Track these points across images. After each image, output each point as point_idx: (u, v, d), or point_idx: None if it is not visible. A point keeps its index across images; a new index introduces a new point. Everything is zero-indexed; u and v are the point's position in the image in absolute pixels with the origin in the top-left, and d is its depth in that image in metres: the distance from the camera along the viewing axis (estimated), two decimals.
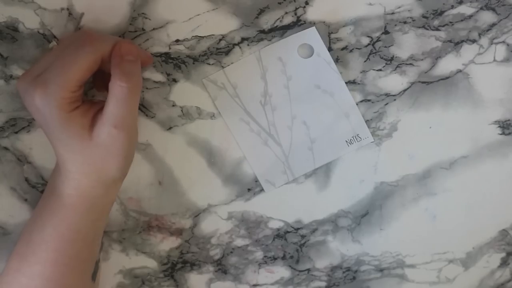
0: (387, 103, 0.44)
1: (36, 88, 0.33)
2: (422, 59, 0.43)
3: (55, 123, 0.34)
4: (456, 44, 0.43)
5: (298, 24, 0.42)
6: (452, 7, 0.42)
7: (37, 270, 0.36)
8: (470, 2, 0.43)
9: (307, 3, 0.42)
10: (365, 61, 0.43)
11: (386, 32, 0.43)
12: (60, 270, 0.36)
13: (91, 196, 0.36)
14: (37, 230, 0.36)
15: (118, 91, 0.34)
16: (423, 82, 0.44)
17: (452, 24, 0.43)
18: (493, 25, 0.43)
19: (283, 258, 0.45)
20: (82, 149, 0.34)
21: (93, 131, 0.34)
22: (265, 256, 0.45)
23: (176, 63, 0.42)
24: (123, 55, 0.35)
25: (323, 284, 0.45)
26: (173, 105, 0.42)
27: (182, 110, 0.43)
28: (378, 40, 0.43)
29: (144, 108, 0.42)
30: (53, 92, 0.33)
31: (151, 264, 0.44)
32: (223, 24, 0.42)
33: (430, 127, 0.44)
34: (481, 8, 0.42)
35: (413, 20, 0.43)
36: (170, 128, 0.43)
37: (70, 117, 0.34)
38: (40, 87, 0.33)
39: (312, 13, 0.42)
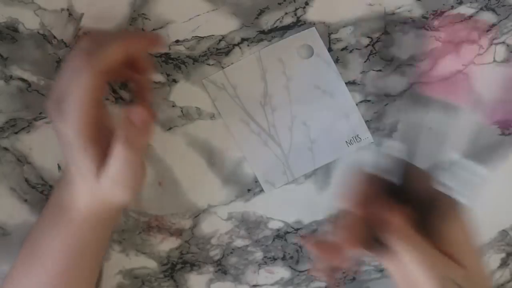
0: (387, 104, 0.44)
1: (56, 118, 0.34)
2: (422, 60, 0.43)
3: (74, 149, 0.34)
4: (455, 44, 0.43)
5: (298, 24, 0.42)
6: (452, 7, 0.42)
7: (44, 280, 0.36)
8: (470, 2, 0.43)
9: (307, 3, 0.42)
10: (365, 62, 0.43)
11: (386, 33, 0.43)
12: (67, 281, 0.36)
13: (99, 213, 0.36)
14: (45, 240, 0.36)
15: (120, 153, 0.33)
16: (423, 83, 0.44)
17: (452, 25, 0.43)
18: (493, 25, 0.43)
19: (283, 258, 0.45)
20: (91, 179, 0.34)
21: (101, 172, 0.34)
22: (265, 257, 0.45)
23: (176, 64, 0.42)
24: (133, 120, 0.33)
25: (323, 284, 0.45)
26: (173, 106, 0.42)
27: (182, 111, 0.43)
28: (378, 41, 0.43)
29: None
30: (71, 123, 0.33)
31: (151, 264, 0.44)
32: (223, 24, 0.42)
33: (430, 128, 0.44)
34: (481, 9, 0.43)
35: (413, 21, 0.43)
36: (170, 128, 0.43)
37: (86, 148, 0.33)
38: (59, 118, 0.33)
39: (312, 14, 0.42)
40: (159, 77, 0.42)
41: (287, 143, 0.43)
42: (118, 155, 0.33)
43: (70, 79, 0.33)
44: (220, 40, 0.42)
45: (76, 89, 0.33)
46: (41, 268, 0.36)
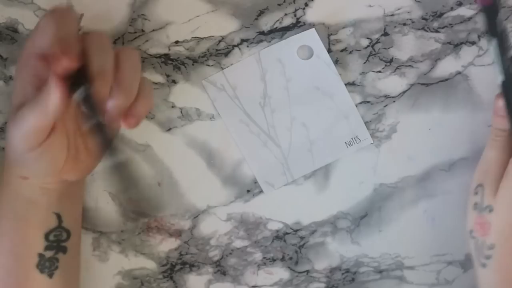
0: (386, 105, 0.44)
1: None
2: (421, 61, 0.43)
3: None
4: (455, 46, 0.43)
5: (298, 25, 0.42)
6: (452, 9, 0.42)
7: None
8: (470, 4, 0.43)
9: (306, 4, 0.42)
10: (364, 63, 0.43)
11: (385, 34, 0.43)
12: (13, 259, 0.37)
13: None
14: None
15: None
16: (422, 84, 0.44)
17: (452, 26, 0.43)
18: None
19: (282, 259, 0.45)
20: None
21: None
22: (264, 258, 0.45)
23: (176, 65, 0.42)
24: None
25: (322, 285, 0.45)
26: (173, 106, 0.42)
27: (181, 111, 0.43)
28: (377, 42, 0.43)
29: None
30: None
31: (150, 265, 0.44)
32: (223, 25, 0.42)
33: (430, 129, 0.44)
34: (481, 10, 0.42)
35: (413, 22, 0.43)
36: (170, 129, 0.43)
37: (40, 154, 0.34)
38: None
39: (311, 15, 0.42)
40: (158, 78, 0.42)
41: (286, 144, 0.43)
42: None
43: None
44: (219, 41, 0.42)
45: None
46: None
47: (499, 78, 0.37)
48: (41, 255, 0.37)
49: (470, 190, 0.40)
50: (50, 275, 0.38)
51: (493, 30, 0.36)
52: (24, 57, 0.35)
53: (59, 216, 0.38)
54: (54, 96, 0.31)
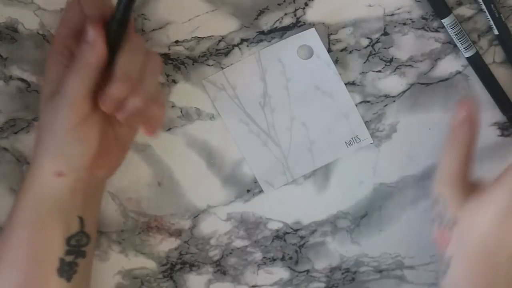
0: (386, 105, 0.44)
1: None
2: (421, 61, 0.43)
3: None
4: (455, 45, 0.43)
5: (298, 25, 0.42)
6: (452, 8, 0.42)
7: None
8: (470, 3, 0.43)
9: (306, 4, 0.42)
10: (364, 63, 0.43)
11: (385, 34, 0.43)
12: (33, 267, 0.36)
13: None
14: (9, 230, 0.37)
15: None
16: (422, 84, 0.44)
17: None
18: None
19: (282, 259, 0.45)
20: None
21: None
22: (264, 257, 0.45)
23: (176, 64, 0.42)
24: None
25: (322, 285, 0.45)
26: (173, 106, 0.42)
27: (181, 111, 0.43)
28: (377, 42, 0.43)
29: None
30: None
31: (150, 265, 0.44)
32: (223, 25, 0.42)
33: (430, 129, 0.44)
34: (481, 10, 0.42)
35: (413, 22, 0.43)
36: (170, 129, 0.43)
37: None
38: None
39: (311, 14, 0.42)
40: (158, 78, 0.42)
41: (286, 143, 0.43)
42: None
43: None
44: (219, 41, 0.42)
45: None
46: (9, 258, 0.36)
47: None
48: (61, 260, 0.37)
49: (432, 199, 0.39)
50: (69, 279, 0.38)
51: None
52: (58, 40, 0.37)
53: (81, 220, 0.38)
54: (96, 41, 0.33)
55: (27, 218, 0.37)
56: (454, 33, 0.41)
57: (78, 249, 0.38)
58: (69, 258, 0.38)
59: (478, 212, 0.36)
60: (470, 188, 0.37)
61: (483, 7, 0.41)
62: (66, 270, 0.38)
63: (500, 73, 0.44)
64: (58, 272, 0.37)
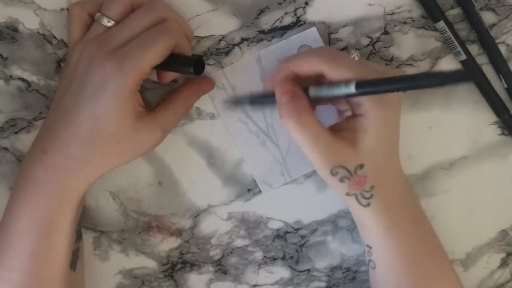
0: None
1: (111, 61, 0.34)
2: (421, 60, 0.43)
3: (110, 101, 0.34)
4: None
5: (298, 24, 0.42)
6: (452, 7, 0.42)
7: (15, 263, 0.35)
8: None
9: (307, 3, 0.42)
10: None
11: (385, 33, 0.43)
12: (37, 262, 0.36)
13: (70, 187, 0.36)
14: (13, 221, 0.36)
15: (183, 108, 0.40)
16: None
17: (452, 25, 0.43)
18: (493, 25, 0.43)
19: (283, 258, 0.45)
20: (116, 136, 0.35)
21: (139, 126, 0.36)
22: (264, 257, 0.45)
23: None
24: (201, 88, 0.41)
25: (323, 284, 0.45)
26: None
27: None
28: (378, 41, 0.43)
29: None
30: (128, 71, 0.34)
31: (151, 264, 0.44)
32: (223, 24, 0.42)
33: (430, 128, 0.44)
34: (481, 9, 0.42)
35: (413, 21, 0.43)
36: None
37: (128, 101, 0.35)
38: (116, 61, 0.34)
39: (312, 14, 0.42)
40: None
41: (285, 143, 0.43)
42: (182, 108, 0.41)
43: (147, 35, 0.36)
44: (220, 40, 0.42)
45: (153, 45, 0.35)
46: (12, 250, 0.35)
47: None
48: (74, 252, 0.38)
49: (324, 175, 0.38)
50: (74, 268, 0.38)
51: None
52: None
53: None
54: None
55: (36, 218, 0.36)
56: (444, 38, 0.41)
57: (79, 234, 0.38)
58: (75, 246, 0.38)
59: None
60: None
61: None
62: (74, 260, 0.38)
63: (496, 75, 0.44)
64: (72, 266, 0.38)
